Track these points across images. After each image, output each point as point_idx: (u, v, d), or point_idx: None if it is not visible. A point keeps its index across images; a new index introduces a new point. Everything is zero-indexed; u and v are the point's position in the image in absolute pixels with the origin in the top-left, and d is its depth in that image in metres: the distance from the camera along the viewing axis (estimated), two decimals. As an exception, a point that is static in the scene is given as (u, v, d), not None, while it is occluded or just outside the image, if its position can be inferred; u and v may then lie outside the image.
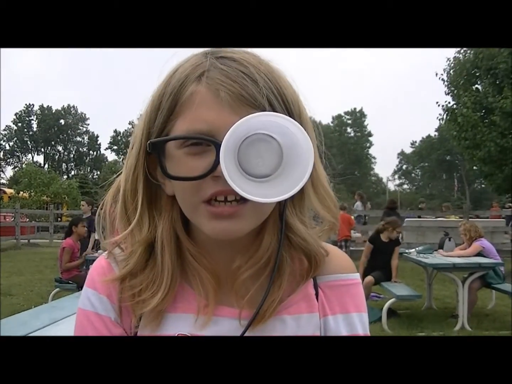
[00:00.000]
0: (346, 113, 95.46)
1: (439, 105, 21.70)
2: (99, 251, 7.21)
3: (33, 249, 20.42)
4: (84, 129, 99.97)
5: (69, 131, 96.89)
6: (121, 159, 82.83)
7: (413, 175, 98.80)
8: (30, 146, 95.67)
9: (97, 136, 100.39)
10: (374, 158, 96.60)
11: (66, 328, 2.82)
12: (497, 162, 19.94)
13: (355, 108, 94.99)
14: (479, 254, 8.30)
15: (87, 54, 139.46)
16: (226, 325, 0.97)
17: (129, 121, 77.02)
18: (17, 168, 78.66)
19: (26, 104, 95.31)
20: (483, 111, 20.26)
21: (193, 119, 0.87)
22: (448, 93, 22.13)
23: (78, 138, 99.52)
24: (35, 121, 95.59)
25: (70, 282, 8.71)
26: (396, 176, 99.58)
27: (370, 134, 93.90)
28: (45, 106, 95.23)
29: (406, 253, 9.43)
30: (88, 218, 11.06)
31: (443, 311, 8.87)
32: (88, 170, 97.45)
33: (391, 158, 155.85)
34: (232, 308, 0.97)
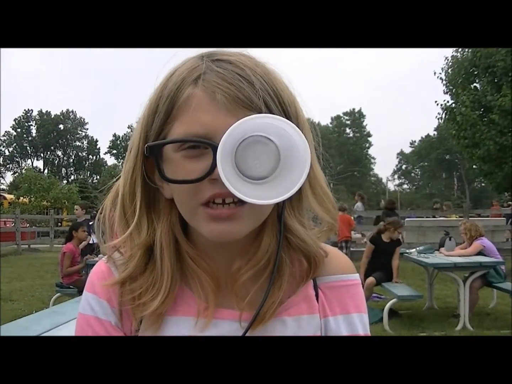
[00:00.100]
0: (345, 113, 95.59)
1: (438, 104, 21.69)
2: (99, 256, 7.21)
3: (34, 254, 20.42)
4: (83, 133, 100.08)
5: (68, 136, 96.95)
6: (120, 163, 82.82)
7: (412, 174, 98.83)
8: (29, 151, 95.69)
9: (96, 141, 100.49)
10: (373, 158, 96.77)
11: (67, 333, 2.82)
12: (496, 160, 19.93)
13: (353, 109, 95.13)
14: (480, 253, 8.29)
15: (86, 57, 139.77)
16: (227, 327, 0.97)
17: (128, 125, 77.03)
18: (17, 174, 78.79)
19: (25, 110, 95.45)
20: (482, 109, 20.26)
21: (190, 122, 0.87)
22: (446, 92, 22.14)
23: (78, 143, 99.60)
24: (34, 126, 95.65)
25: (71, 286, 8.70)
26: (396, 176, 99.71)
27: (369, 135, 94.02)
28: (44, 111, 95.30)
29: (406, 253, 9.43)
30: (76, 222, 11.10)
31: (444, 310, 8.86)
32: (88, 175, 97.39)
33: (390, 158, 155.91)
34: (232, 310, 0.97)
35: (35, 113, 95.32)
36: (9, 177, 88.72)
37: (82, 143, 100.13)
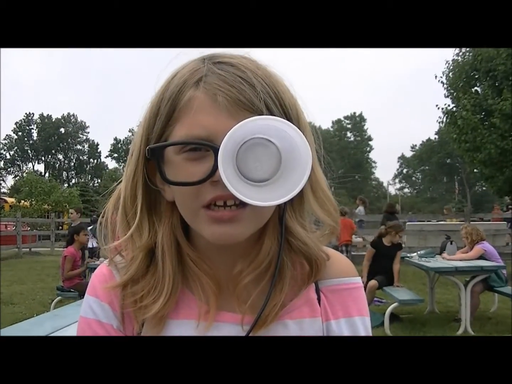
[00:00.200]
0: (346, 117, 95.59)
1: (438, 108, 21.71)
2: (100, 259, 7.22)
3: (35, 258, 20.42)
4: (84, 137, 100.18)
5: (69, 140, 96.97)
6: (121, 166, 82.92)
7: (413, 178, 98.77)
8: (30, 155, 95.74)
9: (97, 144, 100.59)
10: (374, 162, 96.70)
11: (68, 336, 2.81)
12: (497, 164, 19.93)
13: (354, 113, 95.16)
14: (481, 257, 8.28)
15: (86, 60, 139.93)
16: (228, 330, 0.97)
17: (129, 129, 77.08)
18: (18, 177, 78.77)
19: (26, 113, 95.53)
20: (483, 113, 20.27)
21: (191, 125, 0.87)
22: (447, 96, 22.14)
23: (79, 146, 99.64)
24: (35, 130, 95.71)
25: (72, 290, 8.70)
26: (397, 180, 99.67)
27: (370, 138, 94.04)
28: (45, 114, 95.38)
29: (408, 257, 9.41)
30: (78, 226, 11.10)
31: (445, 315, 8.85)
32: (89, 178, 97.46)
33: (391, 162, 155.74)
34: (234, 313, 0.97)
35: (36, 116, 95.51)
36: (10, 181, 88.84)
37: (83, 146, 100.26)
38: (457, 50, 21.54)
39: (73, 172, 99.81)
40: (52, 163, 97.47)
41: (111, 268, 1.03)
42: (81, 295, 7.89)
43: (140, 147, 0.94)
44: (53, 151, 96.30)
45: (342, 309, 1.02)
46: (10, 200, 36.72)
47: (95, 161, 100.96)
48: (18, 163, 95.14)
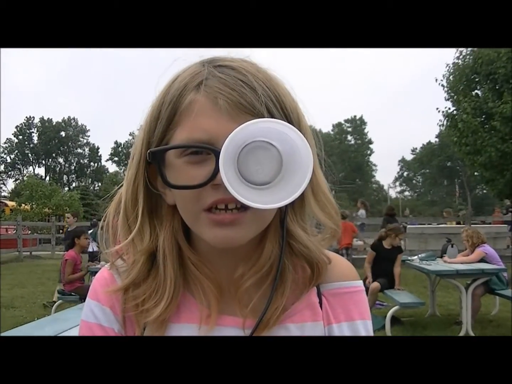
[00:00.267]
0: (346, 120, 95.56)
1: (439, 111, 21.76)
2: (101, 263, 7.21)
3: (35, 261, 20.40)
4: (85, 140, 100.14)
5: (69, 143, 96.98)
6: (122, 170, 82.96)
7: (414, 181, 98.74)
8: (31, 158, 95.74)
9: (98, 148, 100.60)
10: (375, 165, 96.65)
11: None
12: (498, 167, 19.96)
13: (355, 116, 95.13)
14: (482, 260, 8.27)
15: (87, 63, 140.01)
16: (230, 334, 0.96)
17: (130, 132, 77.22)
18: (19, 181, 78.69)
19: (26, 117, 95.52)
20: (483, 116, 20.32)
21: (192, 128, 0.87)
22: (448, 99, 22.20)
23: (79, 150, 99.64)
24: (35, 133, 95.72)
25: (73, 294, 8.70)
26: (397, 183, 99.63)
27: (370, 142, 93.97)
28: (45, 118, 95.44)
29: (408, 260, 9.40)
30: (73, 230, 11.10)
31: (446, 318, 8.84)
32: (89, 182, 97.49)
33: (392, 165, 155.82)
34: (235, 317, 0.97)
35: (36, 120, 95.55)
36: (10, 184, 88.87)
37: (84, 150, 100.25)
38: (457, 53, 21.58)
39: (73, 176, 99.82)
40: (52, 166, 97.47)
41: (112, 272, 1.03)
42: (82, 299, 7.89)
43: (141, 150, 0.94)
44: (53, 155, 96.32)
45: (343, 313, 1.02)
46: (11, 203, 36.74)
47: (96, 164, 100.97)
48: (18, 166, 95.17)
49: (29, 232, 26.30)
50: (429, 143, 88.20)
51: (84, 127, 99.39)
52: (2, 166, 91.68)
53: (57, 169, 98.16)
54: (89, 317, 1.01)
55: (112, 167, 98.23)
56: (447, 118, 21.62)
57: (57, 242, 23.81)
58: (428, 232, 18.07)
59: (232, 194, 0.80)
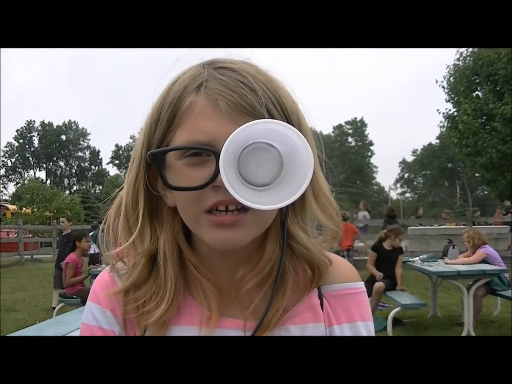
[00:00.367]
0: (347, 122, 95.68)
1: (440, 113, 21.78)
2: (102, 265, 7.21)
3: (37, 265, 20.42)
4: (86, 144, 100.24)
5: (70, 147, 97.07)
6: (123, 173, 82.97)
7: (415, 183, 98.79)
8: (32, 162, 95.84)
9: (99, 151, 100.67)
10: (375, 167, 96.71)
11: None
12: (498, 168, 19.97)
13: (355, 118, 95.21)
14: (483, 261, 8.27)
15: (88, 66, 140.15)
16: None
17: (131, 135, 77.19)
18: (19, 184, 78.70)
19: (27, 121, 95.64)
20: (484, 117, 20.34)
21: (193, 130, 0.87)
22: (448, 100, 22.22)
23: (80, 153, 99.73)
24: (36, 137, 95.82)
25: (74, 297, 8.70)
26: (398, 185, 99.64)
27: (371, 143, 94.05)
28: (46, 122, 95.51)
29: (410, 261, 9.39)
30: (68, 235, 11.10)
31: (448, 319, 8.83)
32: (90, 185, 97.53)
33: (392, 167, 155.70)
34: (236, 319, 0.97)
35: (37, 124, 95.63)
36: (11, 188, 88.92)
37: (84, 153, 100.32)
38: (457, 54, 21.60)
39: (74, 179, 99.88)
40: (53, 170, 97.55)
41: (113, 275, 1.03)
42: (84, 302, 7.88)
43: (141, 152, 0.94)
44: (54, 158, 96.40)
45: (345, 314, 1.02)
46: (12, 207, 36.72)
47: (97, 168, 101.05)
48: (19, 170, 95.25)
49: (30, 235, 26.31)
50: (430, 144, 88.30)
51: (84, 130, 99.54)
52: (3, 170, 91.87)
53: (58, 172, 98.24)
54: (89, 320, 1.01)
55: (113, 170, 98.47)
56: (447, 120, 21.65)
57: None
58: (429, 233, 18.08)
59: (233, 196, 0.80)
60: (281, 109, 0.90)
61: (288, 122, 0.88)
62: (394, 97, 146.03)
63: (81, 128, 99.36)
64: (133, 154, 0.97)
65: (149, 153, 0.91)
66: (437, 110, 21.84)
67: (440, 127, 22.48)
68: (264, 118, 0.86)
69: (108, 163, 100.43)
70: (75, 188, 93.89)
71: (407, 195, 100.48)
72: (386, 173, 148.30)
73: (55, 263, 10.94)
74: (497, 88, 20.06)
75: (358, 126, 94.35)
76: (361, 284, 1.06)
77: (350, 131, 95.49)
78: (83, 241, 9.15)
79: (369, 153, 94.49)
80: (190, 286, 0.99)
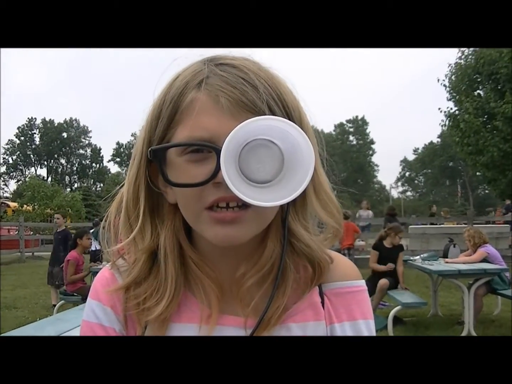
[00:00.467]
0: (348, 121, 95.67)
1: (441, 111, 21.76)
2: (103, 263, 7.22)
3: (38, 262, 20.41)
4: (87, 141, 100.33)
5: (71, 144, 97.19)
6: (124, 171, 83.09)
7: (416, 182, 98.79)
8: (33, 159, 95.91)
9: (100, 149, 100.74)
10: (376, 165, 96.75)
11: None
12: (500, 167, 19.97)
13: (357, 116, 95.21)
14: (484, 260, 8.27)
15: (89, 64, 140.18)
16: (231, 334, 0.96)
17: (132, 133, 77.31)
18: (21, 182, 78.78)
19: (28, 118, 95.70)
20: (485, 116, 20.33)
21: (194, 126, 0.87)
22: (450, 99, 22.21)
23: (81, 151, 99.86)
24: (37, 134, 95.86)
25: (75, 294, 8.71)
26: (399, 184, 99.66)
27: (372, 142, 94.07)
28: (47, 119, 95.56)
29: (410, 260, 9.40)
30: (63, 231, 11.09)
31: (449, 318, 8.83)
32: (91, 183, 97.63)
33: (394, 165, 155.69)
34: (237, 317, 0.97)
35: (38, 121, 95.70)
36: (12, 185, 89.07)
37: (86, 151, 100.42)
38: (459, 53, 21.60)
39: (75, 177, 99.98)
40: (54, 167, 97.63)
41: (113, 272, 1.03)
42: (84, 299, 7.89)
43: (142, 149, 0.94)
44: (55, 156, 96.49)
45: (346, 313, 1.02)
46: (13, 204, 36.75)
47: (98, 165, 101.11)
48: (20, 167, 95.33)
49: (31, 233, 26.33)
50: (431, 143, 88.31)
51: (86, 128, 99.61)
52: (4, 167, 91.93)
53: (59, 170, 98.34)
54: (90, 317, 1.01)
55: (114, 168, 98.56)
56: (449, 118, 21.64)
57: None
58: (430, 232, 18.09)
59: (234, 192, 0.80)
60: (282, 105, 0.90)
61: (289, 119, 0.87)
62: (395, 96, 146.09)
63: (82, 125, 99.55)
64: (134, 150, 0.97)
65: (150, 149, 0.91)
66: (439, 108, 21.84)
67: (442, 125, 22.47)
68: (265, 114, 0.85)
69: (109, 161, 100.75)
70: (76, 185, 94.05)
71: (408, 193, 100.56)
72: (387, 172, 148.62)
73: (49, 260, 10.96)
74: (499, 87, 20.05)
75: (359, 125, 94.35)
76: (362, 282, 1.06)
77: (351, 129, 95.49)
78: (84, 239, 9.16)
79: (370, 152, 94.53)
80: (190, 283, 0.99)
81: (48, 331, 3.43)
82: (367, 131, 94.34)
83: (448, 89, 22.16)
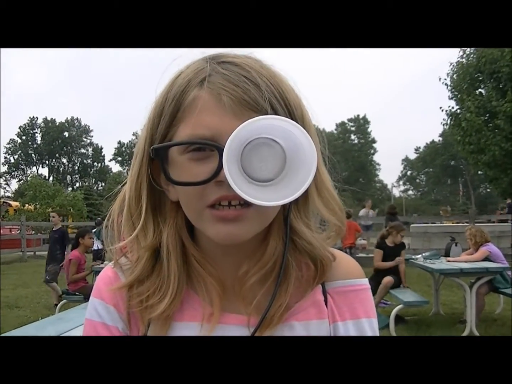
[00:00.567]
0: (350, 120, 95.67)
1: (442, 110, 21.74)
2: (105, 262, 7.23)
3: (39, 261, 20.41)
4: (88, 141, 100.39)
5: (73, 143, 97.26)
6: (125, 170, 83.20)
7: (417, 181, 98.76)
8: (34, 158, 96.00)
9: (101, 148, 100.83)
10: (378, 164, 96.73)
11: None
12: (502, 166, 19.96)
13: (358, 115, 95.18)
14: (486, 258, 8.26)
15: (90, 63, 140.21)
16: (234, 332, 0.96)
17: (133, 132, 77.28)
18: (22, 181, 78.87)
19: (30, 117, 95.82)
20: (487, 115, 20.32)
21: (196, 125, 0.87)
22: (451, 98, 22.19)
23: (82, 150, 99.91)
24: (39, 134, 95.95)
25: (77, 293, 8.71)
26: (401, 182, 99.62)
27: (373, 141, 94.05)
28: (48, 118, 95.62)
29: (412, 259, 9.39)
30: (59, 230, 11.09)
31: (450, 316, 8.83)
32: (93, 182, 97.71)
33: (395, 164, 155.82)
34: (240, 315, 0.97)
35: (39, 120, 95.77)
36: (14, 185, 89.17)
37: (87, 150, 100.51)
38: (461, 52, 21.59)
39: (77, 176, 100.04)
40: (56, 166, 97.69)
41: (116, 270, 1.03)
42: (86, 298, 7.90)
43: (144, 147, 0.94)
44: (57, 155, 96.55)
45: (349, 311, 1.01)
46: (15, 204, 36.71)
47: (99, 164, 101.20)
48: (22, 167, 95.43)
49: (33, 232, 26.36)
50: (433, 142, 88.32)
51: (87, 127, 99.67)
52: (6, 167, 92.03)
53: (61, 169, 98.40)
54: (93, 316, 1.01)
55: (115, 167, 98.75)
56: (450, 117, 21.62)
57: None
58: (431, 231, 18.09)
59: (236, 191, 0.80)
60: (285, 104, 0.90)
61: (291, 117, 0.88)
62: (396, 95, 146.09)
63: (84, 125, 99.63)
64: (136, 148, 0.97)
65: (152, 148, 0.91)
66: (440, 107, 21.83)
67: (443, 124, 22.45)
68: (267, 112, 0.85)
69: (110, 160, 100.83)
70: (77, 184, 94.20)
71: (410, 192, 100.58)
72: (388, 171, 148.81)
73: (46, 259, 10.97)
74: (500, 86, 20.03)
75: (361, 124, 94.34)
76: (366, 281, 1.06)
77: (353, 128, 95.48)
78: (86, 238, 9.17)
79: (372, 151, 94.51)
80: (193, 281, 0.99)
81: (49, 330, 3.43)
82: (369, 130, 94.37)
83: (449, 88, 22.15)
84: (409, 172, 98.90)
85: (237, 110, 0.85)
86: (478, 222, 17.93)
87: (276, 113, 0.86)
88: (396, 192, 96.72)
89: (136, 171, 0.96)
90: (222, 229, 0.88)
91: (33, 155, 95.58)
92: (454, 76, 21.99)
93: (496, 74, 19.86)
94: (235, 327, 0.97)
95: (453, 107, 21.79)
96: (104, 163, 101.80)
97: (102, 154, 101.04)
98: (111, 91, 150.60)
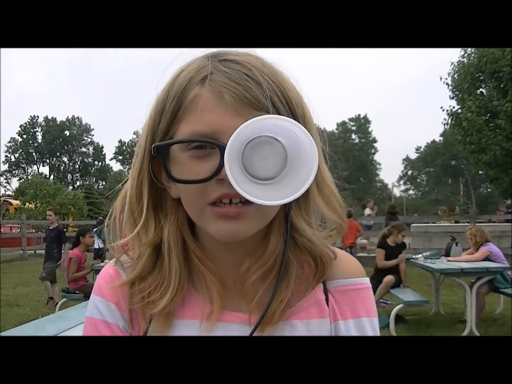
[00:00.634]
0: (351, 119, 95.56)
1: (443, 110, 21.73)
2: (105, 261, 7.23)
3: (40, 260, 20.28)
4: (89, 139, 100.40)
5: (74, 142, 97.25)
6: (126, 169, 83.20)
7: (418, 180, 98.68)
8: (35, 157, 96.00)
9: (102, 147, 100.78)
10: (379, 164, 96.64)
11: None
12: (503, 166, 19.95)
13: (359, 115, 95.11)
14: (486, 258, 8.26)
15: (91, 62, 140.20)
16: (235, 330, 0.96)
17: (134, 131, 77.27)
18: (23, 180, 78.96)
19: (30, 116, 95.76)
20: (488, 115, 20.30)
21: (197, 122, 0.87)
22: (452, 98, 22.17)
23: (83, 149, 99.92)
24: (40, 132, 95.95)
25: (77, 292, 8.72)
26: (402, 182, 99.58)
27: (374, 140, 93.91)
28: (49, 117, 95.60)
29: (413, 258, 9.40)
30: (55, 229, 11.08)
31: (451, 316, 8.83)
32: (94, 181, 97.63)
33: (396, 164, 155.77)
34: (241, 313, 0.97)
35: (40, 119, 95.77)
36: (15, 183, 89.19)
37: (88, 149, 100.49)
38: (462, 51, 21.58)
39: (77, 175, 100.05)
40: (57, 165, 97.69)
41: (117, 268, 1.03)
42: (87, 297, 7.91)
43: (145, 145, 0.94)
44: (57, 154, 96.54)
45: (350, 310, 1.02)
46: (15, 202, 36.72)
47: (100, 163, 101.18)
48: (23, 165, 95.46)
49: (33, 230, 26.36)
50: (434, 141, 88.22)
51: (88, 126, 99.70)
52: (7, 165, 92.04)
53: (61, 168, 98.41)
54: (94, 314, 1.01)
55: (116, 166, 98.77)
56: (451, 117, 21.61)
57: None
58: (432, 230, 18.09)
59: (237, 190, 0.80)
60: (286, 102, 0.90)
61: (292, 115, 0.88)
62: (397, 95, 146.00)
63: (85, 123, 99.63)
64: (138, 146, 0.97)
65: (153, 145, 0.91)
66: (441, 107, 21.81)
67: (444, 124, 22.42)
68: (269, 110, 0.85)
69: (111, 159, 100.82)
70: (78, 183, 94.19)
71: (410, 192, 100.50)
72: (389, 170, 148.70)
73: (44, 258, 10.97)
74: (501, 85, 20.03)
75: (361, 123, 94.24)
76: (367, 280, 1.06)
77: (353, 128, 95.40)
78: (87, 237, 9.18)
79: (373, 150, 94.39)
80: (194, 279, 0.99)
81: (49, 328, 3.43)
82: (370, 129, 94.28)
83: (450, 87, 22.14)
84: (409, 172, 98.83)
85: (238, 108, 0.85)
86: (479, 222, 17.92)
87: (277, 111, 0.87)
88: (396, 192, 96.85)
89: (137, 169, 0.96)
90: (223, 226, 0.88)
91: (34, 153, 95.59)
92: (455, 75, 21.97)
93: (497, 74, 19.84)
94: (236, 325, 0.97)
95: (454, 107, 21.78)
96: (105, 162, 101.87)
97: (103, 153, 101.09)
98: (111, 91, 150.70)
